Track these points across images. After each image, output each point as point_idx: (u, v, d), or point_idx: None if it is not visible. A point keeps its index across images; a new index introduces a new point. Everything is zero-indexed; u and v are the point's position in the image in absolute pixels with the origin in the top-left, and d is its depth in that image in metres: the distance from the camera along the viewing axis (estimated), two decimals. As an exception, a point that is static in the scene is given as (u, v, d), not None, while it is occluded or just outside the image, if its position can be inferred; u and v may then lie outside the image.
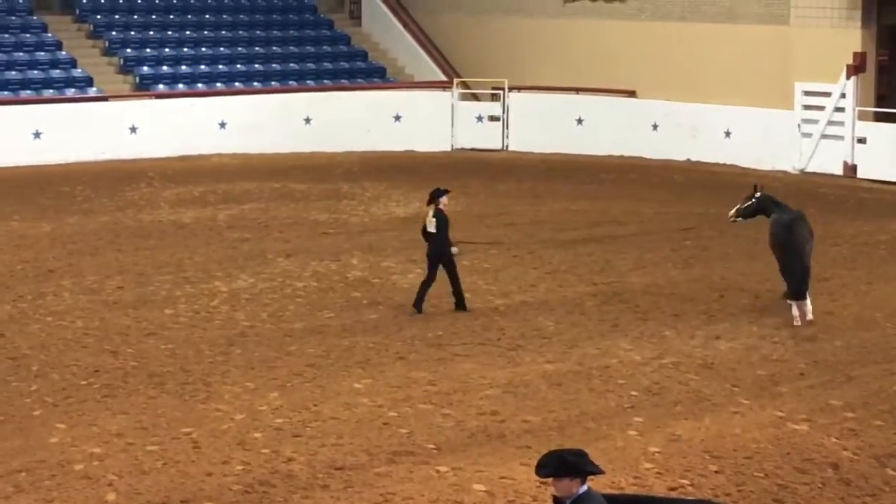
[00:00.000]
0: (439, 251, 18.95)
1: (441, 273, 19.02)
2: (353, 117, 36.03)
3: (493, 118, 37.10)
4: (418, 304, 19.04)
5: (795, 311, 18.54)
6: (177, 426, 14.15)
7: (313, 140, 35.73)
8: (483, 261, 22.44)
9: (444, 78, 38.93)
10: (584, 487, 8.29)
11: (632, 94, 36.24)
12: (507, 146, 36.70)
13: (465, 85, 38.39)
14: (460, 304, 19.23)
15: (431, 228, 18.95)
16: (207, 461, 13.13)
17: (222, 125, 35.22)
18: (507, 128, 36.86)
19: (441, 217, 18.99)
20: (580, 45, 37.18)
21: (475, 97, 38.43)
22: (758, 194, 20.03)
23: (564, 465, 8.27)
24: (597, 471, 8.34)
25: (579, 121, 36.01)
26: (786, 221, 19.05)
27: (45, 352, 17.03)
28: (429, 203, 19.25)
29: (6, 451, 13.41)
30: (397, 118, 36.51)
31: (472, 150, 36.56)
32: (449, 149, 36.69)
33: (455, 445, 13.68)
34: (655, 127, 34.99)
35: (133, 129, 34.33)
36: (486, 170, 33.50)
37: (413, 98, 37.41)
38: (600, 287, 20.81)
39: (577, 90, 36.59)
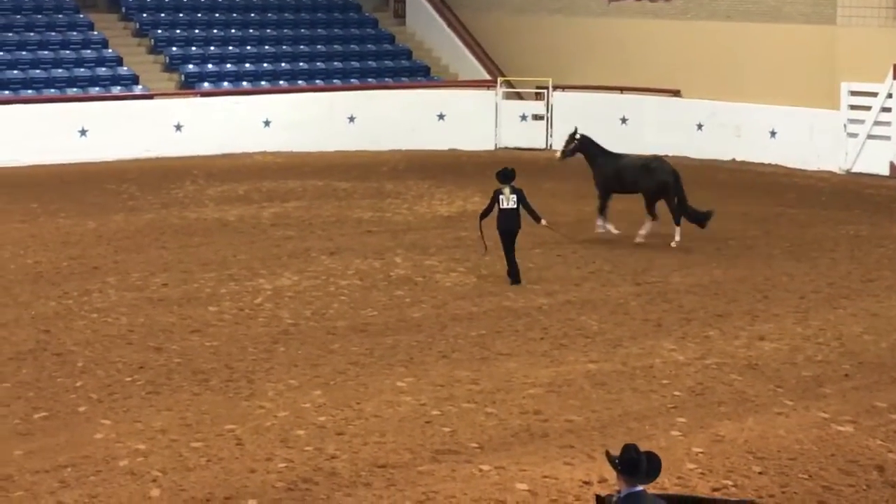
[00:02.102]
0: (514, 225, 20.49)
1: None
2: (397, 116, 36.10)
3: (536, 117, 37.10)
4: (514, 276, 20.72)
5: (678, 237, 23.51)
6: (220, 423, 14.21)
7: (357, 138, 35.82)
8: (527, 260, 22.39)
9: (488, 77, 38.94)
10: (639, 487, 8.35)
11: (676, 93, 36.15)
12: (550, 145, 36.64)
13: (509, 84, 38.37)
14: (515, 279, 20.69)
15: (511, 204, 20.38)
16: (251, 458, 13.18)
17: (267, 123, 35.34)
18: (551, 127, 36.83)
19: (521, 193, 20.53)
20: (625, 44, 37.10)
21: (519, 96, 38.42)
22: (577, 136, 24.53)
23: (625, 462, 8.38)
24: (642, 480, 8.37)
25: (623, 120, 35.93)
26: (669, 169, 23.80)
27: (91, 348, 17.12)
28: (502, 182, 20.45)
29: (52, 446, 13.50)
30: (441, 117, 36.54)
31: (516, 148, 36.56)
32: (493, 148, 36.72)
33: (498, 444, 13.68)
34: (700, 126, 34.88)
35: (178, 127, 34.50)
36: (529, 169, 33.28)
37: (457, 97, 37.44)
38: (644, 287, 20.76)
39: (622, 89, 36.52)
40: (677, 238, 23.64)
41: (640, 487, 8.37)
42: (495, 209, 20.61)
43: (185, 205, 27.91)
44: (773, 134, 33.71)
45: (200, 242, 23.93)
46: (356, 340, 17.55)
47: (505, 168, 20.79)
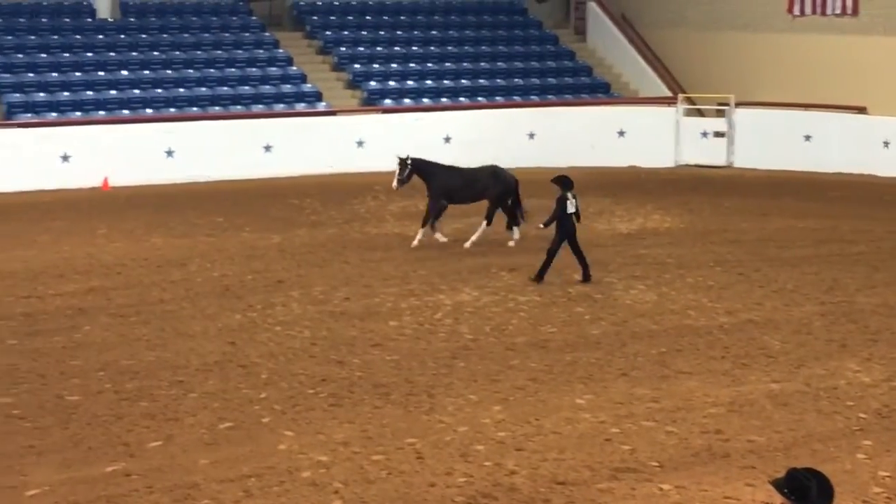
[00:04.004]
0: (573, 229, 21.75)
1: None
2: (577, 132, 36.05)
3: (718, 134, 36.73)
4: (541, 276, 21.91)
5: (517, 235, 25.14)
6: (401, 436, 14.33)
7: (536, 155, 35.77)
8: (707, 278, 22.22)
9: (668, 93, 38.71)
10: None
11: (862, 110, 35.48)
12: (731, 162, 36.29)
13: (690, 100, 38.08)
14: (587, 276, 22.01)
15: (574, 209, 21.69)
16: (431, 472, 13.27)
17: (447, 139, 35.57)
18: (733, 144, 36.44)
19: (577, 198, 22.01)
20: (809, 60, 36.59)
21: (700, 113, 38.09)
22: (409, 161, 25.37)
23: (794, 488, 8.19)
24: None
25: (807, 137, 35.40)
26: (511, 176, 25.28)
27: (274, 360, 17.41)
28: (565, 188, 21.74)
29: (237, 456, 13.76)
30: (621, 133, 36.41)
31: (696, 166, 36.26)
32: (672, 164, 36.46)
33: (678, 463, 13.58)
34: (886, 144, 34.21)
35: (360, 143, 34.92)
36: (710, 186, 33.18)
37: (637, 113, 37.26)
38: (828, 306, 20.41)
39: (806, 106, 35.98)
40: (516, 237, 25.21)
41: None
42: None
43: (366, 220, 28.22)
44: (962, 151, 32.95)
45: (382, 257, 24.18)
46: (535, 356, 17.57)
47: (564, 175, 22.20)
